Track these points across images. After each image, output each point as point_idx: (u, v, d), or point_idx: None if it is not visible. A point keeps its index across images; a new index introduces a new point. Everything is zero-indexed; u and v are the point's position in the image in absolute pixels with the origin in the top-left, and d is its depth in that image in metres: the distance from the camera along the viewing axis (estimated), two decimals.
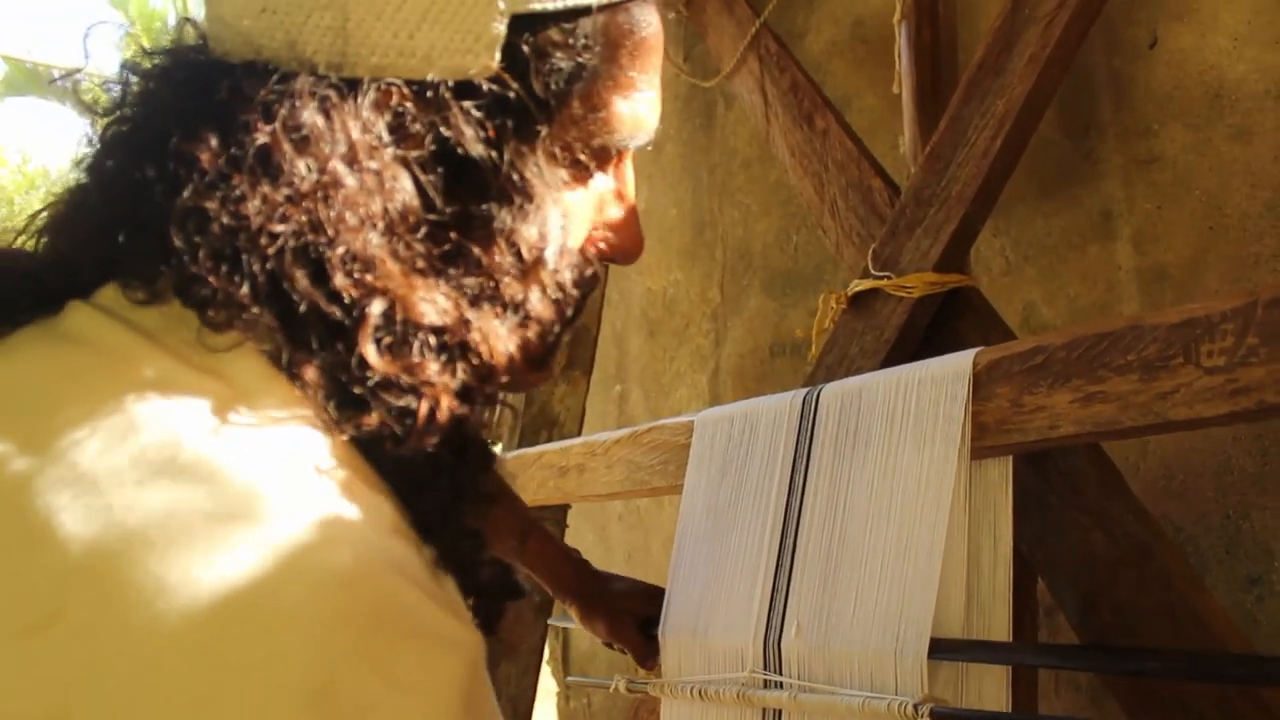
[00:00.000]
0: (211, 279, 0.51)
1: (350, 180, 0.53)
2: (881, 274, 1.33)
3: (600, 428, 2.41)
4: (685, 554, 1.27)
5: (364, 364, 0.52)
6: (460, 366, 0.56)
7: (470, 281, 0.56)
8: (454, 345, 0.55)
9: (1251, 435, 1.28)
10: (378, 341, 0.52)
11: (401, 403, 0.53)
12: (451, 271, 0.56)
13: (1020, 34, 1.25)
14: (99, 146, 0.58)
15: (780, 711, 1.06)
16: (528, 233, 0.58)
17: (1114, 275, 1.45)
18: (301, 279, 0.51)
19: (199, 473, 0.45)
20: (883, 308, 1.33)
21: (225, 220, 0.51)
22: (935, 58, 1.56)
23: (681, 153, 2.36)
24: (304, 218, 0.51)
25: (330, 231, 0.52)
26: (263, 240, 0.51)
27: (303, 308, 0.52)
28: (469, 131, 0.56)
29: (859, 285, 1.36)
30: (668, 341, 2.35)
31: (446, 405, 0.54)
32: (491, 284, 0.57)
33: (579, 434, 2.05)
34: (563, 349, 0.66)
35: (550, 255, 0.59)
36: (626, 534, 2.45)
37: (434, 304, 0.54)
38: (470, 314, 0.56)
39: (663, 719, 1.24)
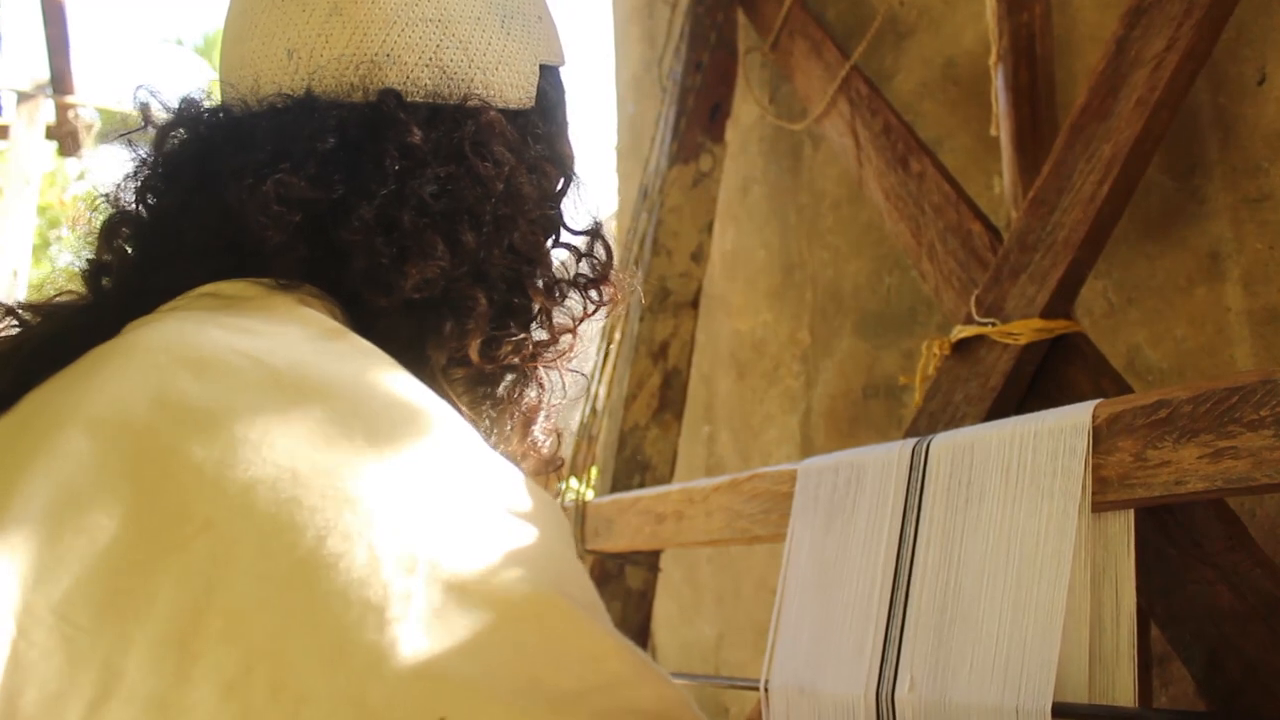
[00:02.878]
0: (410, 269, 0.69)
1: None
2: (986, 320, 1.32)
3: (689, 469, 2.41)
4: (791, 606, 1.26)
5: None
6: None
7: None
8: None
9: None
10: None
11: None
12: None
13: (1126, 76, 1.24)
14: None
15: None
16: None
17: (1223, 317, 1.42)
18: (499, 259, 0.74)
19: (320, 392, 0.54)
20: (987, 354, 1.32)
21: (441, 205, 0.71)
22: (1034, 99, 1.55)
23: (768, 194, 2.36)
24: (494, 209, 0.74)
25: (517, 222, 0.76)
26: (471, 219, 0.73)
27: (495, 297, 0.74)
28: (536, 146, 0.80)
29: (963, 331, 1.34)
30: (757, 383, 2.34)
31: None
32: None
33: (671, 478, 2.05)
34: None
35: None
36: (715, 576, 2.44)
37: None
38: None
39: None
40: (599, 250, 0.83)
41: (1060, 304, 1.27)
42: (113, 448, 0.50)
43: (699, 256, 2.17)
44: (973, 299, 1.35)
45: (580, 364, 0.83)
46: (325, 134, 0.70)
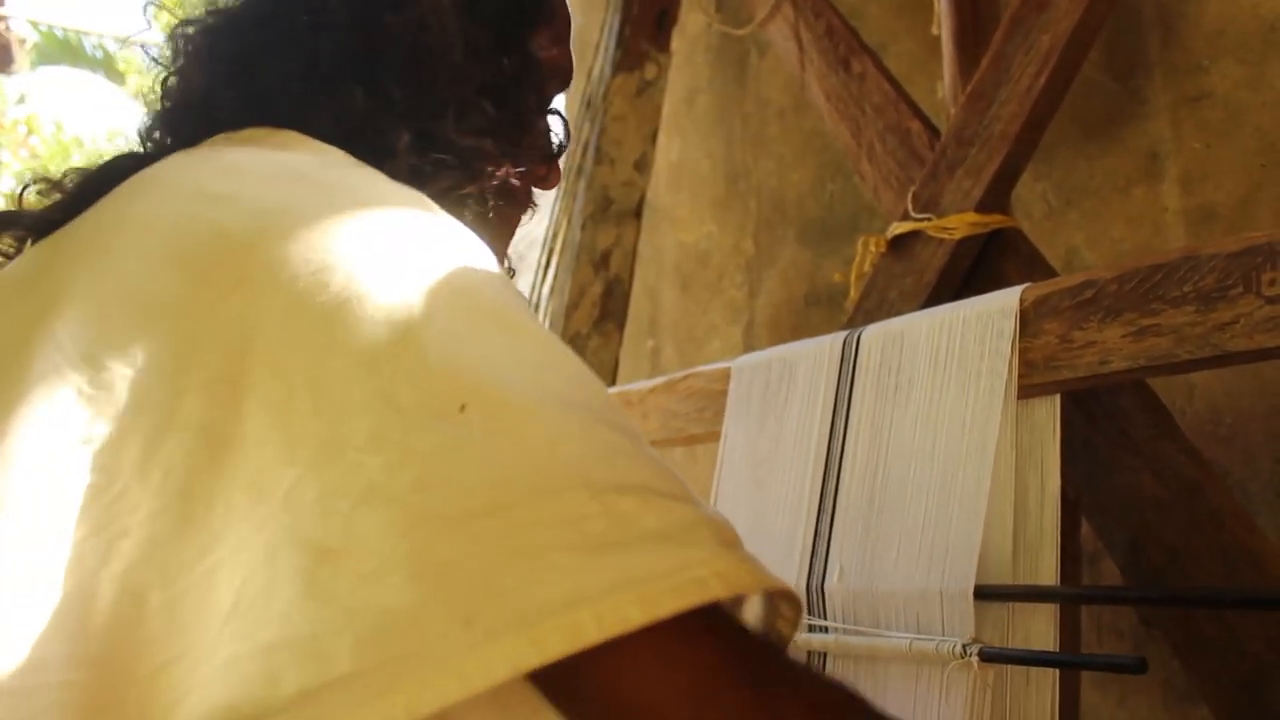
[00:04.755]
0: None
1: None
2: (922, 216, 1.31)
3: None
4: (725, 502, 1.26)
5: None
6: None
7: None
8: None
9: None
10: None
11: None
12: None
13: None
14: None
15: (825, 655, 1.04)
16: None
17: (1160, 217, 1.42)
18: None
19: (337, 185, 0.59)
20: (923, 250, 1.31)
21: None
22: None
23: (714, 104, 2.33)
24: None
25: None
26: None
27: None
28: None
29: (899, 228, 1.33)
30: (701, 295, 2.33)
31: None
32: None
33: (613, 386, 2.04)
34: None
35: None
36: None
37: None
38: None
39: None
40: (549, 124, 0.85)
41: (996, 198, 1.26)
42: (151, 237, 0.56)
43: (642, 165, 2.14)
44: (909, 195, 1.34)
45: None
46: None
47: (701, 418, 1.37)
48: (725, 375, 1.33)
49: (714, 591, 0.46)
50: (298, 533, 0.45)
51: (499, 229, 0.79)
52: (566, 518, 0.45)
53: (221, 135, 0.71)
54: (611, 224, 2.08)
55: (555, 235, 2.10)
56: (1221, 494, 1.00)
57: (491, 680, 0.41)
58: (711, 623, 0.48)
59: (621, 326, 2.05)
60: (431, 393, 0.47)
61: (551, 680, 0.47)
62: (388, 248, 0.54)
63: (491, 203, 0.76)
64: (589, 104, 2.20)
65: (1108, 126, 1.49)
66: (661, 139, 2.23)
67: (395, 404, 0.47)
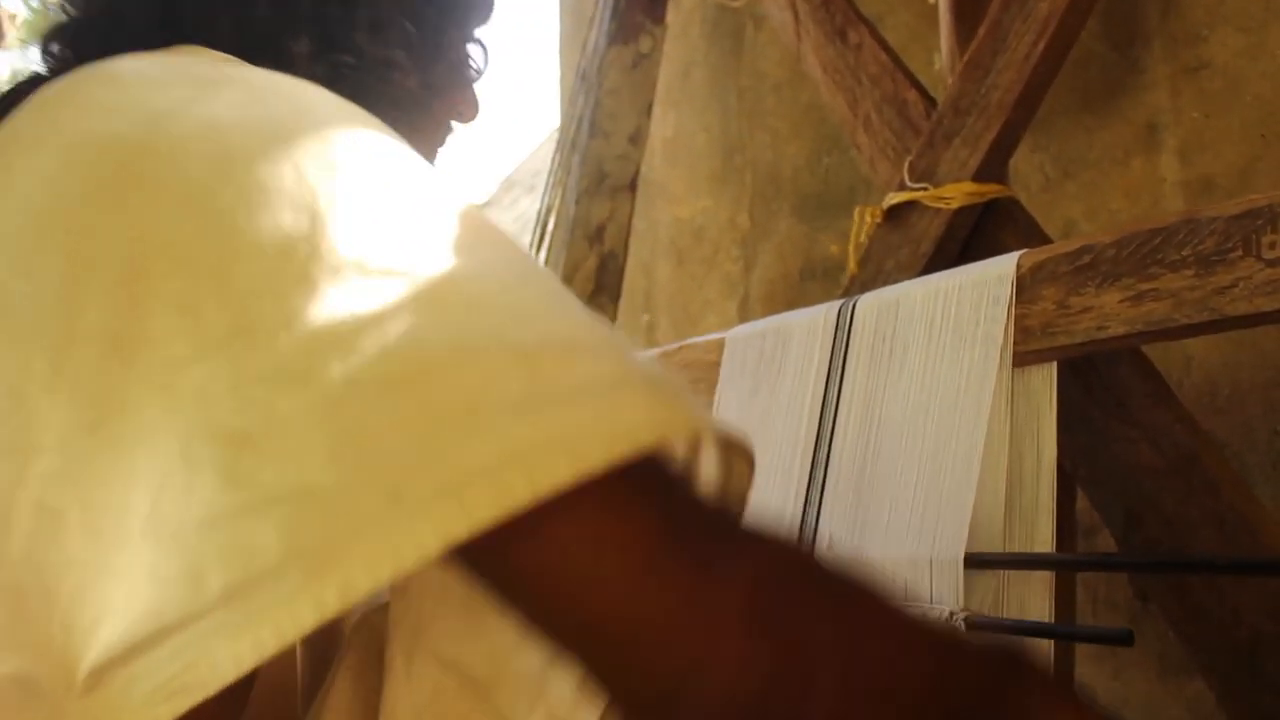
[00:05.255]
0: None
1: None
2: (918, 186, 1.29)
3: None
4: None
5: None
6: None
7: None
8: None
9: None
10: None
11: None
12: None
13: None
14: None
15: None
16: None
17: (1159, 188, 1.41)
18: None
19: (238, 80, 0.57)
20: (919, 220, 1.29)
21: None
22: None
23: (709, 77, 2.31)
24: None
25: None
26: None
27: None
28: None
29: (895, 198, 1.31)
30: (696, 270, 2.32)
31: None
32: None
33: None
34: None
35: None
36: None
37: None
38: None
39: None
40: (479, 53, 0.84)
41: (993, 167, 1.25)
42: (46, 152, 0.53)
43: (637, 139, 2.12)
44: (906, 165, 1.32)
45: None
46: None
47: (696, 389, 1.35)
48: (719, 346, 1.32)
49: (645, 439, 0.43)
50: (213, 425, 0.43)
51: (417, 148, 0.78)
52: (487, 380, 0.43)
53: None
54: (606, 198, 2.06)
55: (549, 210, 2.09)
56: (1219, 463, 0.99)
57: (423, 554, 0.39)
58: (646, 485, 0.45)
59: (616, 301, 2.04)
60: (343, 269, 0.46)
61: (485, 568, 0.45)
62: (288, 132, 0.52)
63: (402, 120, 0.73)
64: (584, 77, 2.18)
65: (1106, 97, 1.47)
66: (656, 113, 2.21)
67: (306, 283, 0.45)
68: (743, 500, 0.54)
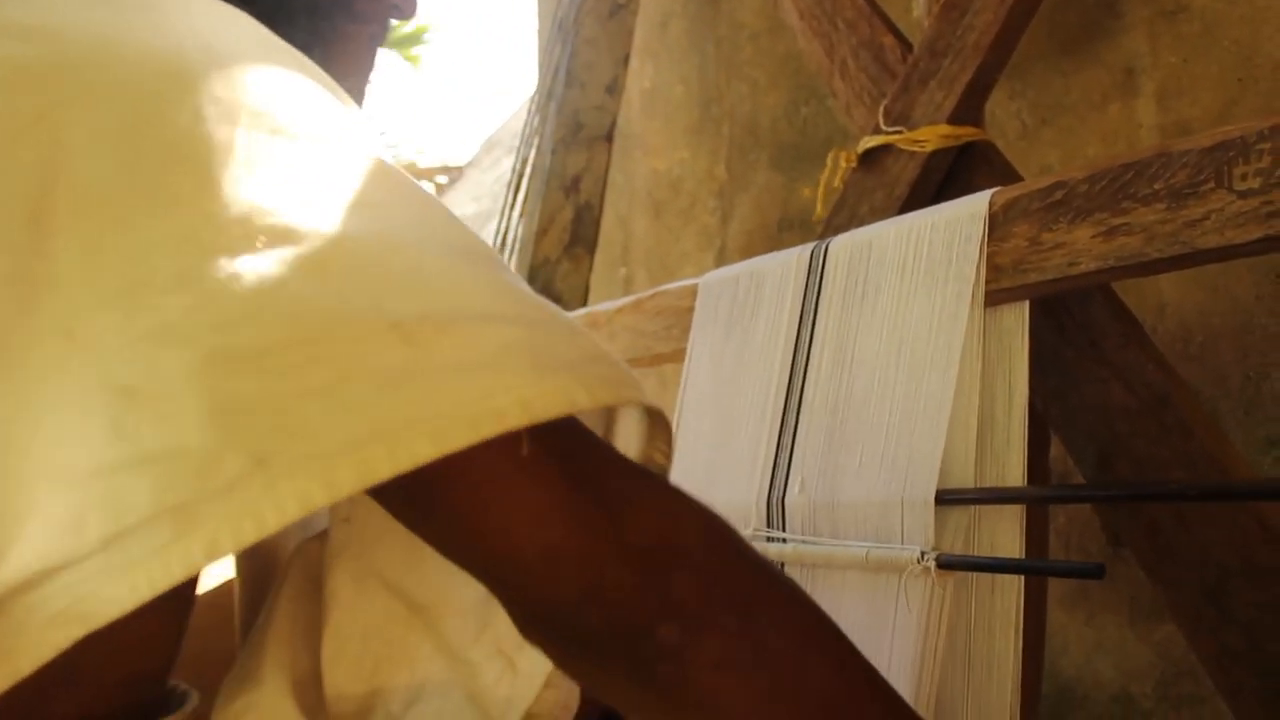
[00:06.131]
0: None
1: None
2: (893, 129, 1.28)
3: None
4: (690, 418, 1.24)
5: None
6: None
7: None
8: None
9: (1275, 294, 1.23)
10: None
11: None
12: None
13: None
14: None
15: (781, 564, 1.03)
16: None
17: (1136, 133, 1.40)
18: None
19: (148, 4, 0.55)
20: (894, 164, 1.28)
21: None
22: None
23: (687, 28, 2.29)
24: None
25: None
26: None
27: None
28: None
29: (869, 141, 1.30)
30: (673, 222, 2.30)
31: None
32: None
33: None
34: None
35: None
36: None
37: None
38: None
39: None
40: None
41: (968, 110, 1.24)
42: None
43: (614, 89, 2.10)
44: (881, 109, 1.31)
45: None
46: None
47: (669, 335, 1.34)
48: (693, 292, 1.31)
49: (512, 420, 0.45)
50: (106, 377, 0.44)
51: (348, 53, 0.77)
52: (362, 351, 0.44)
53: None
54: (582, 148, 2.04)
55: (525, 160, 2.07)
56: (1191, 404, 0.99)
57: (285, 519, 0.41)
58: (549, 441, 0.48)
59: (592, 251, 2.03)
60: (231, 229, 0.46)
61: (396, 506, 0.48)
62: (197, 73, 0.51)
63: (336, 19, 0.73)
64: (560, 26, 2.15)
65: (1084, 41, 1.46)
66: (634, 64, 2.19)
67: (196, 242, 0.46)
68: (665, 466, 0.60)
